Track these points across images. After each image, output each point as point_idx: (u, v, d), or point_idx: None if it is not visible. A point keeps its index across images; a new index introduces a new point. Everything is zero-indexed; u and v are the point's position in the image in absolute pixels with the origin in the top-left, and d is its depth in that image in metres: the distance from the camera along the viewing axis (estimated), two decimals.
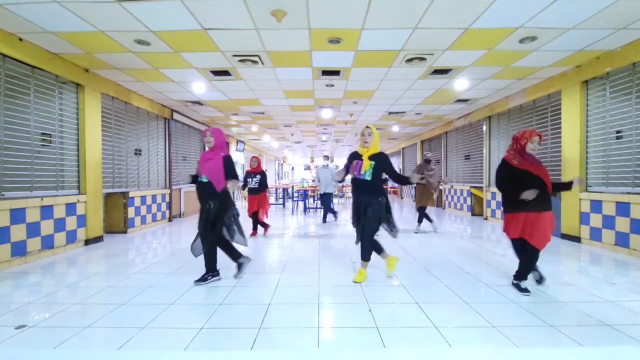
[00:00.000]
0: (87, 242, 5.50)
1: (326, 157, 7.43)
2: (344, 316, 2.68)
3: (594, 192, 5.28)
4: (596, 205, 5.18)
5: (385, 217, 3.52)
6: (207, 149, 3.56)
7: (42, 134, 4.80)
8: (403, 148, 16.67)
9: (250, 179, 6.31)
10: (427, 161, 6.73)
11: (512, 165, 3.10)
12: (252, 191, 6.29)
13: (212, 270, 3.53)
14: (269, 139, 14.88)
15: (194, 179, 3.59)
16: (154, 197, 7.70)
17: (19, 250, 4.31)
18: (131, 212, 6.84)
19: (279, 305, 2.88)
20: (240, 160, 15.78)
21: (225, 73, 5.82)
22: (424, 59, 5.17)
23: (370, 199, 3.44)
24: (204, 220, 3.42)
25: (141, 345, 2.21)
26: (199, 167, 3.50)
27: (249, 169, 6.47)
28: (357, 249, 5.26)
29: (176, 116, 8.78)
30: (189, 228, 7.53)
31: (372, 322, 2.54)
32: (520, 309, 2.77)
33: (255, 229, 6.40)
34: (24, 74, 4.50)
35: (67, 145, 5.27)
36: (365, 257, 3.59)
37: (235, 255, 3.64)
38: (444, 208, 11.58)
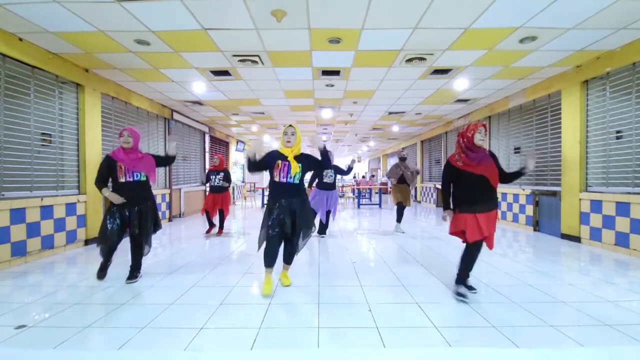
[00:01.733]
0: (87, 242, 5.50)
1: None
2: (344, 316, 2.68)
3: (594, 192, 5.28)
4: (596, 205, 5.18)
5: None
6: (123, 148, 3.44)
7: (42, 134, 4.80)
8: (403, 148, 16.68)
9: (214, 177, 6.30)
10: (402, 159, 6.81)
11: (456, 167, 3.01)
12: (214, 189, 6.29)
13: (139, 268, 3.66)
14: (269, 139, 14.88)
15: (115, 183, 3.45)
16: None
17: (19, 250, 4.31)
18: None
19: (279, 305, 2.88)
20: (241, 160, 15.79)
21: (225, 73, 5.82)
22: (424, 59, 5.17)
23: (301, 201, 3.27)
24: (145, 219, 3.47)
25: (141, 345, 2.21)
26: (127, 167, 3.38)
27: (211, 167, 6.46)
28: (356, 247, 5.28)
29: (176, 116, 8.78)
30: (189, 228, 7.53)
31: (372, 322, 2.54)
32: (520, 309, 2.77)
33: (219, 227, 6.45)
34: (24, 74, 4.50)
35: (67, 145, 5.27)
36: (291, 260, 3.45)
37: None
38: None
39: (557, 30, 4.18)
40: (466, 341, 2.25)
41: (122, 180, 3.38)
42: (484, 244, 3.06)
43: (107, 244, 3.38)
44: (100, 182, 3.40)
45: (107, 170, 3.41)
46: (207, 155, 11.26)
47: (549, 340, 2.26)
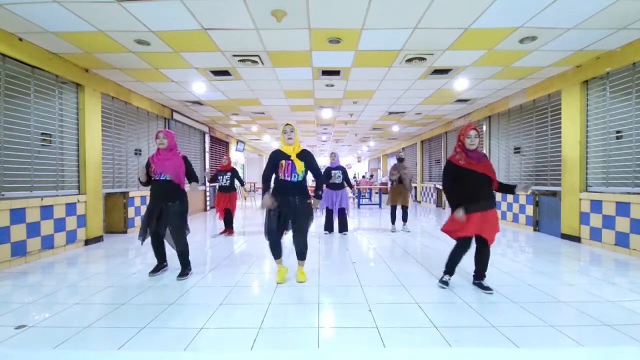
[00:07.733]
0: (87, 242, 5.50)
1: None
2: (344, 316, 2.68)
3: (594, 192, 5.27)
4: (596, 205, 5.18)
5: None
6: (159, 149, 3.68)
7: (42, 134, 4.80)
8: (403, 148, 16.67)
9: (221, 177, 6.39)
10: (400, 160, 6.90)
11: (458, 166, 3.11)
12: (222, 189, 6.38)
13: (189, 264, 3.77)
14: (269, 139, 14.88)
15: (148, 180, 3.72)
16: None
17: (19, 250, 4.31)
18: (131, 212, 6.83)
19: (279, 305, 2.88)
20: (241, 160, 15.79)
21: (225, 73, 5.82)
22: (424, 59, 5.17)
23: (301, 197, 3.41)
24: (171, 218, 3.58)
25: (141, 345, 2.21)
26: (156, 167, 3.60)
27: (220, 167, 6.54)
28: (356, 247, 5.28)
29: (176, 116, 8.78)
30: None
31: (372, 322, 2.53)
32: (520, 309, 2.77)
33: (227, 227, 6.53)
34: (24, 74, 4.50)
35: (67, 145, 5.27)
36: (304, 256, 3.55)
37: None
38: (443, 208, 11.59)
39: (557, 30, 4.18)
40: (466, 341, 2.25)
41: (153, 178, 3.67)
42: (482, 239, 3.17)
43: (142, 229, 3.70)
44: (140, 181, 3.77)
45: (146, 170, 3.70)
46: (207, 155, 11.26)
47: (549, 340, 2.26)
